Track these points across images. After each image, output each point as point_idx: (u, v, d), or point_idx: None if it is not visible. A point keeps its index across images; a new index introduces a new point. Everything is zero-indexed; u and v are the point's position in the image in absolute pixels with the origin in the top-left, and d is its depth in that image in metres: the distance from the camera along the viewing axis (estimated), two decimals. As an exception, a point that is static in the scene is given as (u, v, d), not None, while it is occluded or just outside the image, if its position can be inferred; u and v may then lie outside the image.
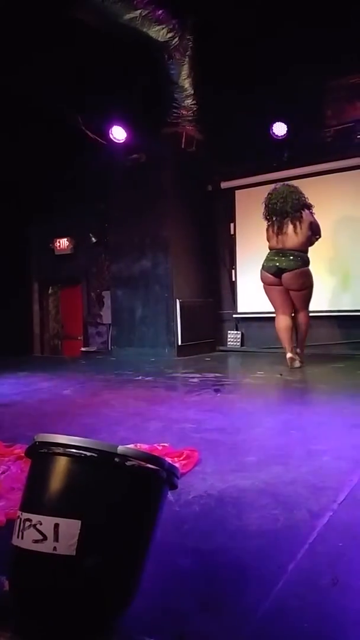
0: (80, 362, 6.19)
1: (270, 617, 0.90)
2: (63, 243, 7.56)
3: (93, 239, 7.13)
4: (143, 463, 0.81)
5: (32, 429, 2.25)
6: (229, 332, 6.40)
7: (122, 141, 5.88)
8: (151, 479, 0.83)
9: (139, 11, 4.93)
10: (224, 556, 1.14)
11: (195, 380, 3.95)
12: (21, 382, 4.11)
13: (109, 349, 6.78)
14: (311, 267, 4.44)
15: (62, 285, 7.98)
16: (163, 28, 5.18)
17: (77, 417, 2.70)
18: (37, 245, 7.83)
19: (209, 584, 1.02)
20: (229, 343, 6.36)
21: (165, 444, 1.95)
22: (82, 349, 7.32)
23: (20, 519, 0.80)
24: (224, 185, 6.32)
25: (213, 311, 6.37)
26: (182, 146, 5.81)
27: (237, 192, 6.28)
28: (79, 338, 7.59)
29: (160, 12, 5.08)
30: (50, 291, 8.09)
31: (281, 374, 3.95)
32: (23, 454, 1.70)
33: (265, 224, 4.49)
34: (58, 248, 7.59)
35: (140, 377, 4.15)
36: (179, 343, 5.77)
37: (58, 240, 7.57)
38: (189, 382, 3.89)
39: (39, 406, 3.09)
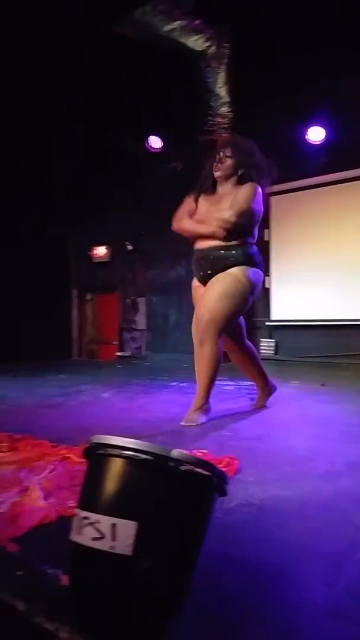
0: (116, 366, 6.28)
1: (320, 634, 0.88)
2: (101, 251, 7.72)
3: (129, 246, 7.25)
4: (196, 468, 0.82)
5: (76, 430, 2.32)
6: (261, 340, 6.34)
7: (159, 150, 5.97)
8: (203, 484, 0.84)
9: (177, 22, 5.02)
10: (269, 567, 1.12)
11: (229, 387, 3.94)
12: (62, 384, 4.22)
13: (143, 354, 6.85)
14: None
15: (99, 291, 8.15)
16: (200, 37, 5.26)
17: (116, 421, 2.76)
18: (76, 253, 8.04)
19: (255, 594, 1.01)
20: (262, 351, 6.30)
21: (205, 451, 1.96)
22: (117, 353, 7.44)
23: (79, 516, 0.82)
24: (259, 192, 6.29)
25: (246, 319, 6.31)
26: (218, 154, 5.83)
27: (271, 198, 6.24)
28: (114, 343, 7.71)
29: (197, 22, 5.16)
30: (88, 297, 8.28)
31: (323, 384, 3.88)
32: (68, 454, 1.76)
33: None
34: (96, 256, 7.76)
35: (175, 383, 4.17)
36: (213, 350, 5.75)
37: (96, 248, 7.74)
38: (224, 389, 3.88)
39: (80, 408, 3.17)
